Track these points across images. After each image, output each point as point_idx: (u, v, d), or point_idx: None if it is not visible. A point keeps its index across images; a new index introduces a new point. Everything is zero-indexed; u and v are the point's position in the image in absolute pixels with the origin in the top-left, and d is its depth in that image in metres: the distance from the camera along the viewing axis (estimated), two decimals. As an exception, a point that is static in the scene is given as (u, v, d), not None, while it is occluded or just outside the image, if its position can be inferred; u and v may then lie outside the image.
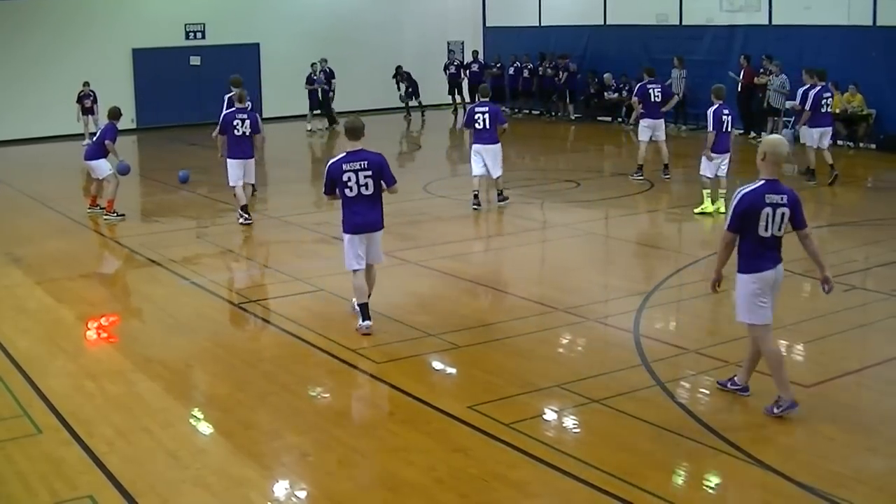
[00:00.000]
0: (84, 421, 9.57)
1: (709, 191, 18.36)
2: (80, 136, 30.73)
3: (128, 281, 16.03)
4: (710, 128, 18.19)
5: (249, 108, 19.03)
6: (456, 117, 37.70)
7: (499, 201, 19.93)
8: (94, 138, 20.08)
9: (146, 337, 12.61)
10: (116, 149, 19.67)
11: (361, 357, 11.19)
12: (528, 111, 38.07)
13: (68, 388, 10.54)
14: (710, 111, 18.23)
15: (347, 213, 12.08)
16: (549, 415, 9.63)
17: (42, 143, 32.94)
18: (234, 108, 18.58)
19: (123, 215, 19.73)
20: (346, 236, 12.19)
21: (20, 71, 33.46)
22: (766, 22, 29.80)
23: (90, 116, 31.77)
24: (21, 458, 8.80)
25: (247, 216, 18.58)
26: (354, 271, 12.15)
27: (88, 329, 13.04)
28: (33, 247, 17.60)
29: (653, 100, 22.60)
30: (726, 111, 18.21)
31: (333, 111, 34.93)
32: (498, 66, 38.42)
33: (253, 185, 19.78)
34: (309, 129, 34.07)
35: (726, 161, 18.34)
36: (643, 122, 22.77)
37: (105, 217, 19.70)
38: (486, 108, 19.65)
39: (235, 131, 18.39)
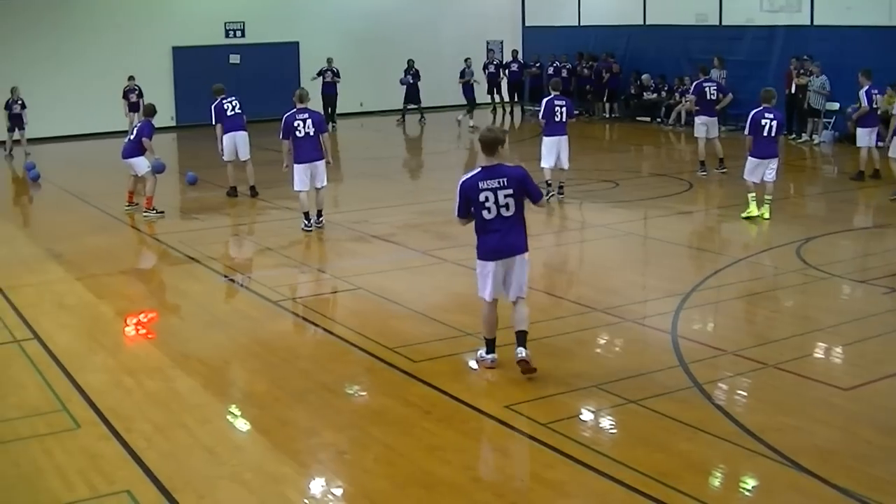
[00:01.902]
0: (122, 416, 9.63)
1: (753, 195, 18.15)
2: (125, 133, 30.87)
3: (166, 277, 16.12)
4: (746, 131, 18.08)
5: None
6: (494, 117, 37.64)
7: (559, 194, 20.26)
8: (132, 136, 20.17)
9: (184, 333, 12.68)
10: (153, 146, 19.77)
11: (399, 355, 11.19)
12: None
13: (107, 384, 10.61)
14: (750, 114, 18.11)
15: (483, 236, 10.65)
16: (586, 415, 9.61)
17: (83, 140, 33.17)
18: (294, 109, 17.68)
19: (163, 212, 19.84)
20: (480, 263, 10.80)
21: (61, 68, 33.67)
22: (808, 22, 29.59)
23: (136, 114, 31.75)
24: (59, 452, 8.86)
25: (307, 223, 17.87)
26: (487, 302, 10.81)
27: (127, 325, 13.12)
28: (74, 243, 17.72)
29: (708, 97, 23.04)
30: (768, 115, 17.85)
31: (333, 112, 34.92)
32: (537, 65, 38.36)
33: (253, 188, 19.99)
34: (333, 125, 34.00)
35: (773, 165, 18.02)
36: (699, 120, 23.08)
37: (144, 213, 19.80)
38: (564, 102, 20.22)
39: (298, 132, 17.46)
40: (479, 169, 10.51)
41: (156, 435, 9.19)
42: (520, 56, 39.33)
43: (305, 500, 8.13)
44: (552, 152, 20.07)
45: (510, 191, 10.36)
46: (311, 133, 17.55)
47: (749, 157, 18.08)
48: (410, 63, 36.01)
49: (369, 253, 16.43)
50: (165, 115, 35.00)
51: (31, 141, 30.95)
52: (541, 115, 20.39)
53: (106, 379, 10.78)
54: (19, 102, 30.42)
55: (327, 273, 15.59)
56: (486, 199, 10.37)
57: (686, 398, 9.83)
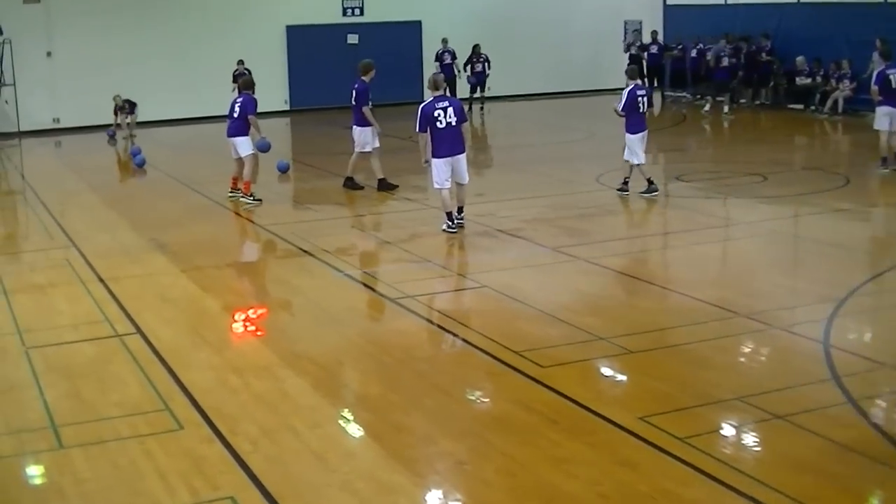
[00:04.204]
0: (227, 417, 9.74)
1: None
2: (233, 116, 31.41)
3: (277, 271, 16.29)
4: None
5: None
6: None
7: (622, 190, 19.99)
8: (235, 114, 20.30)
9: (295, 331, 12.80)
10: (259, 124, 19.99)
11: (524, 359, 11.14)
12: (711, 97, 37.49)
13: (212, 383, 10.75)
14: None
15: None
16: (727, 430, 9.46)
17: (192, 123, 33.77)
18: (431, 98, 17.18)
19: (260, 200, 20.07)
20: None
21: (171, 49, 34.38)
22: None
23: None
24: (161, 454, 8.99)
25: (450, 223, 17.25)
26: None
27: (234, 321, 13.29)
28: (179, 233, 18.02)
29: (894, 86, 22.11)
30: None
31: None
32: (679, 47, 37.94)
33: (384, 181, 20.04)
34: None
35: None
36: (881, 110, 22.25)
37: (242, 199, 20.05)
38: (645, 92, 19.98)
39: (438, 123, 16.84)
40: None
41: (262, 438, 9.27)
42: (660, 37, 38.93)
43: (420, 513, 8.15)
44: (642, 147, 19.76)
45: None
46: (454, 123, 16.99)
47: None
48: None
49: (495, 249, 16.41)
50: (279, 99, 35.49)
51: (138, 125, 31.64)
52: (620, 106, 19.88)
53: (211, 377, 10.92)
54: (127, 106, 31.54)
55: (450, 270, 15.62)
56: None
57: (839, 415, 9.62)
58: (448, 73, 34.67)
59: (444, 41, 35.74)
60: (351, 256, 16.13)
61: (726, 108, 33.62)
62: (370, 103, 21.11)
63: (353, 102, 21.08)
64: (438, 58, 35.50)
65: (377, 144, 21.15)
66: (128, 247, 17.19)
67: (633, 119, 19.71)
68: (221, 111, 29.05)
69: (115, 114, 31.75)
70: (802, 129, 31.10)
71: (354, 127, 21.22)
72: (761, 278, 14.74)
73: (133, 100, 31.94)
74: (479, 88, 36.09)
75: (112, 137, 31.33)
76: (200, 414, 9.85)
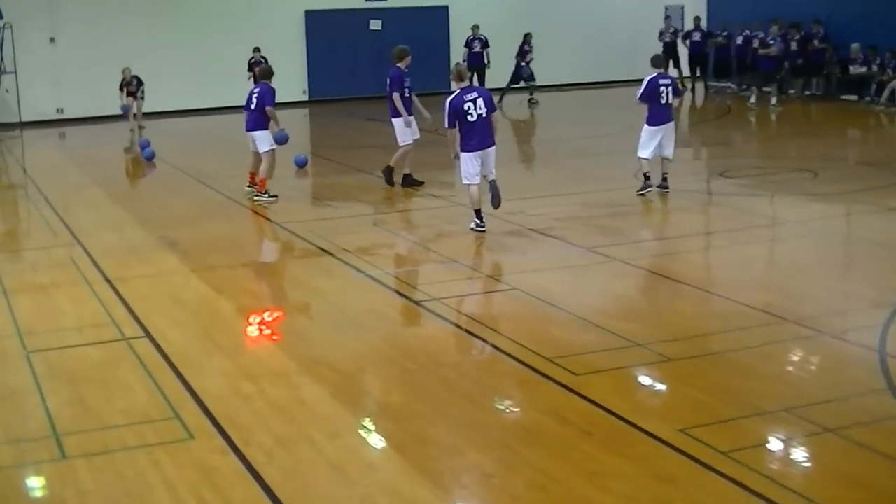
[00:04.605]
0: (240, 427, 9.76)
1: None
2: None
3: (294, 271, 16.33)
4: None
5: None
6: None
7: (662, 188, 19.86)
8: (252, 105, 20.30)
9: (313, 335, 12.83)
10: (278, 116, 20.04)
11: (557, 367, 11.13)
12: (757, 88, 37.39)
13: (224, 390, 10.78)
14: None
15: None
16: (774, 444, 9.43)
17: (204, 114, 33.88)
18: (458, 91, 17.04)
19: (276, 196, 20.12)
20: None
21: (182, 35, 34.55)
22: None
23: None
24: (170, 465, 9.01)
25: (479, 222, 17.20)
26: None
27: (249, 324, 13.32)
28: (190, 230, 18.10)
29: None
30: None
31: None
32: (724, 34, 37.85)
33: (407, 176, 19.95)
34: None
35: None
36: None
37: (255, 197, 20.12)
38: (670, 81, 19.81)
39: (469, 117, 16.75)
40: None
41: (277, 449, 9.29)
42: (703, 23, 38.83)
43: (445, 530, 8.17)
44: (653, 141, 19.65)
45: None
46: (484, 114, 16.92)
47: None
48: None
49: (526, 249, 16.41)
50: (297, 88, 35.61)
51: (144, 115, 31.73)
52: (639, 96, 19.85)
53: (223, 384, 10.95)
54: (134, 81, 31.30)
55: (478, 271, 15.62)
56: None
57: (894, 428, 9.60)
58: (477, 61, 34.75)
59: (475, 28, 35.78)
60: (373, 256, 16.14)
61: (773, 100, 33.51)
62: (411, 92, 20.97)
63: (389, 90, 21.03)
64: (468, 45, 35.56)
65: (418, 136, 21.13)
66: (136, 245, 17.25)
67: (654, 110, 19.67)
68: (235, 101, 29.14)
69: (121, 89, 31.50)
70: (856, 121, 31.01)
71: (392, 119, 21.14)
72: (811, 281, 14.70)
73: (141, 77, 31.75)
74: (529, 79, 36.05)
75: (125, 113, 31.24)
76: (212, 423, 9.87)
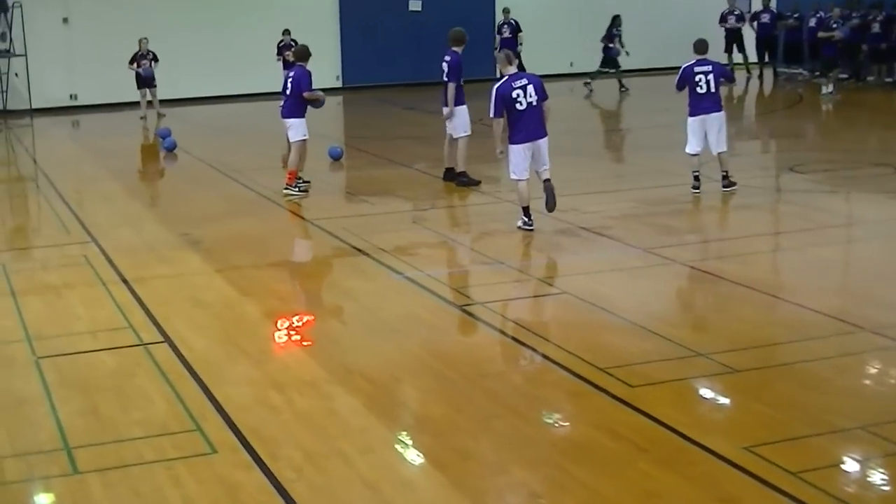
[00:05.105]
0: (267, 440, 9.78)
1: None
2: (276, 96, 31.49)
3: (326, 272, 16.37)
4: None
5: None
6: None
7: (724, 187, 19.54)
8: (288, 90, 20.36)
9: (346, 341, 12.84)
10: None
11: (611, 377, 11.11)
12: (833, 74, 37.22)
13: (250, 400, 10.80)
14: None
15: None
16: (850, 464, 9.38)
17: (230, 102, 34.00)
18: (506, 77, 17.04)
19: (307, 191, 20.17)
20: None
21: (206, 17, 34.74)
22: None
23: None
24: (191, 481, 9.04)
25: (527, 220, 17.17)
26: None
27: (277, 329, 13.33)
28: (214, 227, 18.17)
29: None
30: None
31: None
32: (795, 16, 37.68)
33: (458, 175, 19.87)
34: None
35: None
36: None
37: (284, 190, 20.19)
38: (711, 67, 19.46)
39: (518, 105, 16.71)
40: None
41: (307, 465, 9.31)
42: (773, 4, 38.66)
43: (488, 554, 8.17)
44: (696, 134, 19.38)
45: None
46: (535, 103, 16.80)
47: None
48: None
49: (578, 249, 16.41)
50: (330, 75, 35.67)
51: (164, 102, 31.84)
52: (677, 84, 19.73)
53: (249, 394, 10.98)
54: (150, 57, 31.23)
55: (526, 273, 15.61)
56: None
57: (982, 447, 9.55)
58: (510, 47, 34.77)
59: (506, 11, 35.79)
60: (411, 257, 16.16)
61: (827, 88, 33.31)
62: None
63: (445, 79, 20.83)
64: (499, 30, 35.53)
65: (469, 131, 21.05)
66: (155, 243, 17.35)
67: (691, 100, 19.49)
68: (263, 88, 29.33)
69: (135, 61, 31.48)
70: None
71: (455, 107, 20.87)
72: (889, 286, 14.61)
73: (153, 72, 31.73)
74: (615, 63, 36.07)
75: (145, 77, 31.14)
76: (236, 436, 9.89)
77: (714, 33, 37.98)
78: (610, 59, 36.01)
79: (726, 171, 19.59)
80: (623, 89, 36.30)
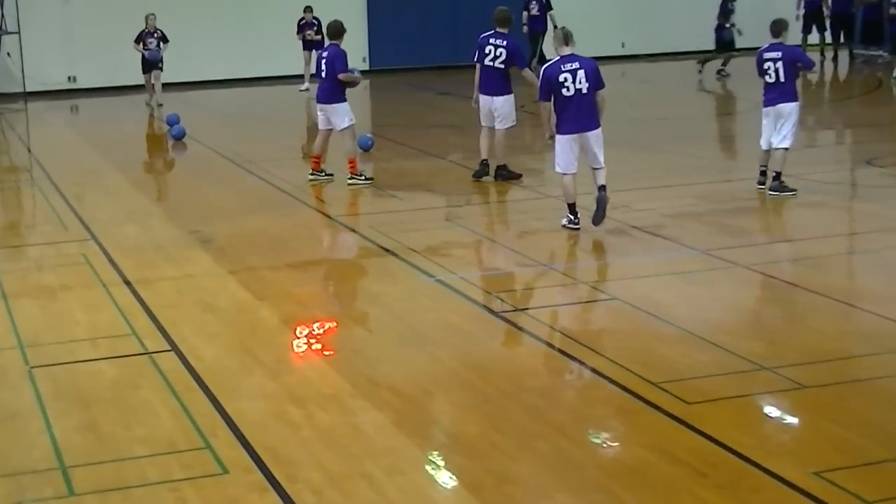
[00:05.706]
0: (284, 460, 9.80)
1: None
2: (295, 79, 31.57)
3: (351, 274, 16.43)
4: None
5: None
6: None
7: (770, 189, 18.98)
8: (324, 72, 20.43)
9: (373, 351, 12.85)
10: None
11: (665, 393, 11.10)
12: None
13: (265, 415, 10.82)
14: None
15: None
16: (933, 492, 9.38)
17: (245, 85, 34.05)
18: (557, 58, 16.86)
19: (371, 179, 20.33)
20: None
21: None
22: None
23: (313, 52, 31.94)
24: (200, 504, 9.11)
25: (573, 218, 17.07)
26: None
27: (296, 337, 13.34)
28: (228, 225, 18.21)
29: None
30: None
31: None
32: (876, -11, 37.60)
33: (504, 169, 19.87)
34: None
35: None
36: None
37: (349, 180, 20.27)
38: (780, 53, 18.85)
39: (565, 90, 16.47)
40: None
41: (329, 487, 9.32)
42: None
43: (529, 588, 8.17)
44: (768, 128, 18.96)
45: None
46: (585, 90, 16.59)
47: None
48: None
49: (630, 251, 16.40)
50: (356, 57, 35.53)
51: (173, 86, 31.84)
52: (758, 72, 19.25)
53: (264, 408, 11.00)
54: (157, 35, 31.09)
55: (571, 277, 15.61)
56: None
57: None
58: (538, 26, 34.76)
59: None
60: (445, 258, 16.17)
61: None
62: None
63: (502, 65, 20.38)
64: (526, 7, 35.49)
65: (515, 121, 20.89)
66: (161, 241, 17.40)
67: (764, 89, 19.14)
68: (281, 71, 29.36)
69: (140, 40, 31.06)
70: None
71: (495, 97, 20.50)
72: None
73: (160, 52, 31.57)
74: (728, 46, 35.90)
75: (152, 59, 30.95)
76: (250, 455, 9.91)
77: (786, 13, 37.96)
78: (726, 43, 35.45)
79: (778, 172, 19.01)
80: (723, 74, 35.84)
